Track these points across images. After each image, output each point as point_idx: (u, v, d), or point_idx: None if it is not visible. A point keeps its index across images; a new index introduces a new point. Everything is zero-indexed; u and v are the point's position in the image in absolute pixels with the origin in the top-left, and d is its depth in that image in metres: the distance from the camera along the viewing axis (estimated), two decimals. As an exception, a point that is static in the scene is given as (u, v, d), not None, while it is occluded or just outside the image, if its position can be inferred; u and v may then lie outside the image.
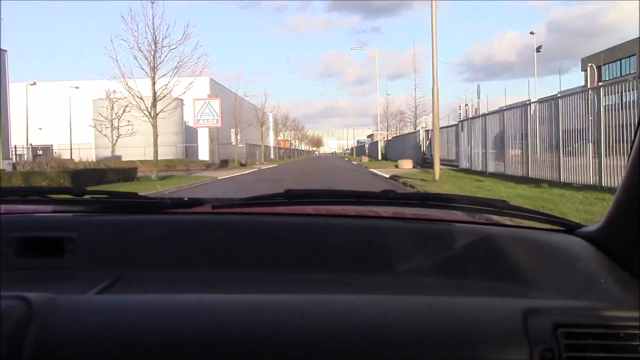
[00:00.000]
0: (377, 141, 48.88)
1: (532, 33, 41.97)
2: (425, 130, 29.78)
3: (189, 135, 40.15)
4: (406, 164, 26.00)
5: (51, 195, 1.20)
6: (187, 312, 0.75)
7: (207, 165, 30.76)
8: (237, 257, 1.05)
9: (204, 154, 39.09)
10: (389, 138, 52.29)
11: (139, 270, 1.02)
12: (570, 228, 1.13)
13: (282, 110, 71.52)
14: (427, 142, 28.33)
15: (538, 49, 40.31)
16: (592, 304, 0.82)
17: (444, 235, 1.08)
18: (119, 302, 0.79)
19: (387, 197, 1.13)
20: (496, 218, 1.25)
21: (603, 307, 0.80)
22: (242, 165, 36.29)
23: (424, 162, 27.32)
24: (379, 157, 41.96)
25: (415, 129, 39.16)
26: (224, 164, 33.96)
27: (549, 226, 1.17)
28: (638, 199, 0.85)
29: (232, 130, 36.10)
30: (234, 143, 35.48)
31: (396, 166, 26.34)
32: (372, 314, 0.76)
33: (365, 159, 44.77)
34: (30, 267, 1.04)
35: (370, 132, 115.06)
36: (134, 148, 29.06)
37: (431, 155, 21.14)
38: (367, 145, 74.09)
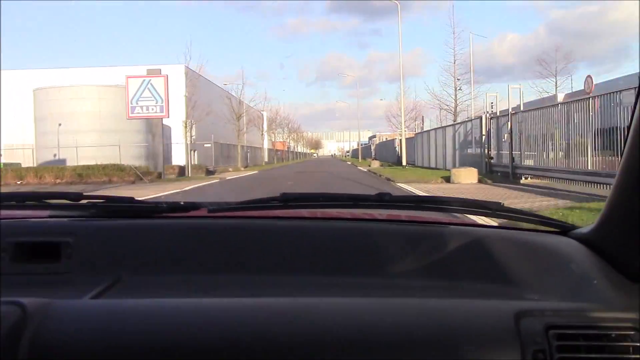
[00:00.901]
0: (394, 140, 38.13)
1: None
2: (492, 117, 17.55)
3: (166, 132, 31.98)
4: (466, 176, 15.25)
5: (48, 200, 1.21)
6: (182, 316, 0.75)
7: (144, 174, 21.39)
8: (233, 260, 1.06)
9: (180, 156, 30.80)
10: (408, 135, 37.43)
11: (135, 274, 1.02)
12: (564, 230, 1.13)
13: (278, 109, 65.14)
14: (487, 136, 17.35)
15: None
16: (584, 305, 0.82)
17: (438, 238, 1.09)
18: (114, 307, 0.79)
19: (382, 199, 1.13)
20: (491, 220, 1.27)
21: (595, 308, 0.80)
22: (210, 172, 27.92)
23: (491, 171, 16.76)
24: (403, 162, 28.41)
25: (454, 121, 28.21)
26: (184, 171, 25.55)
27: (542, 228, 1.17)
28: (630, 200, 0.85)
29: (185, 123, 26.51)
30: (188, 142, 26.30)
31: (447, 180, 15.81)
32: (364, 316, 0.77)
33: (375, 164, 33.94)
34: (27, 272, 1.04)
35: (371, 134, 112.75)
36: (85, 149, 24.38)
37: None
38: (373, 147, 63.38)
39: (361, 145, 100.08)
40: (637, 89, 0.84)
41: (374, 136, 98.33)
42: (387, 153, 46.08)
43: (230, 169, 32.92)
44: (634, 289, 0.85)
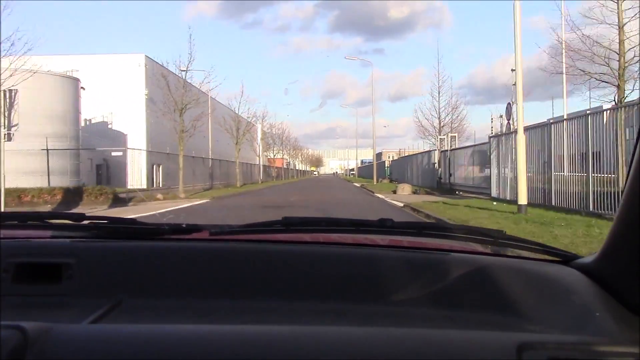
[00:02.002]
0: (430, 153, 27.40)
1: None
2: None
3: (113, 140, 26.89)
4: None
5: (50, 221, 1.21)
6: (182, 344, 0.74)
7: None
8: (234, 285, 1.05)
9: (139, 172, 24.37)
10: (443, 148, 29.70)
11: (136, 297, 1.02)
12: (567, 259, 1.12)
13: (271, 122, 58.04)
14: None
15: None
16: (586, 339, 0.81)
17: (440, 265, 1.08)
18: (115, 333, 0.79)
19: (384, 225, 1.13)
20: (493, 248, 1.25)
21: (598, 342, 0.79)
22: (120, 200, 17.80)
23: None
24: (449, 183, 22.34)
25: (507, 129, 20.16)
26: (74, 196, 16.37)
27: (545, 257, 1.16)
28: (633, 232, 0.85)
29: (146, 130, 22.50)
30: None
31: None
32: (366, 347, 0.76)
33: (406, 189, 22.41)
34: (28, 293, 1.04)
35: (378, 151, 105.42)
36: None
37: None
38: (387, 164, 51.67)
39: (362, 163, 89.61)
40: (637, 129, 0.90)
41: (380, 153, 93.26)
42: (402, 172, 34.75)
43: (181, 195, 21.07)
44: (636, 321, 0.84)
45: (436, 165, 25.50)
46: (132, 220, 1.22)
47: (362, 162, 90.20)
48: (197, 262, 1.08)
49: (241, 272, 1.06)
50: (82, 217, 1.18)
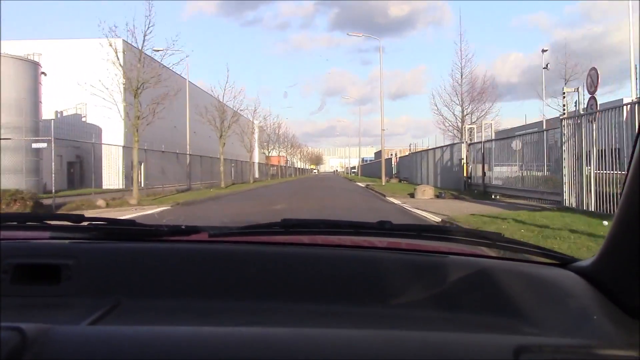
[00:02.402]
0: (455, 146, 22.20)
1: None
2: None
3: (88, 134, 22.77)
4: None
5: (49, 222, 1.21)
6: (181, 346, 0.75)
7: None
8: (233, 286, 1.05)
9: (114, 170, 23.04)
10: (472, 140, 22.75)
11: (135, 298, 1.02)
12: (564, 262, 1.12)
13: (266, 115, 54.51)
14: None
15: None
16: (583, 342, 0.81)
17: (438, 268, 1.08)
18: (113, 334, 0.79)
19: (383, 228, 1.13)
20: (491, 250, 1.25)
21: (595, 345, 0.79)
22: (39, 205, 13.87)
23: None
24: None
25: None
26: None
27: (543, 260, 1.16)
28: (631, 235, 0.85)
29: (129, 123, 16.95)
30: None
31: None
32: (365, 350, 0.76)
33: (427, 192, 17.75)
34: (27, 294, 1.04)
35: (375, 150, 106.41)
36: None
37: None
38: (395, 162, 43.71)
39: (365, 161, 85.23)
40: (637, 130, 0.81)
41: (381, 151, 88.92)
42: (410, 171, 29.92)
43: (132, 199, 16.08)
44: (634, 325, 0.85)
45: (463, 161, 20.51)
46: (131, 222, 1.23)
47: (362, 160, 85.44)
48: (195, 264, 1.08)
49: (240, 274, 1.06)
50: (81, 218, 1.18)
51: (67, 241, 1.15)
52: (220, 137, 29.91)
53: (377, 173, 44.19)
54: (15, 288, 1.02)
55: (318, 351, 0.74)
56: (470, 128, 21.57)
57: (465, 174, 20.38)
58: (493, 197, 17.05)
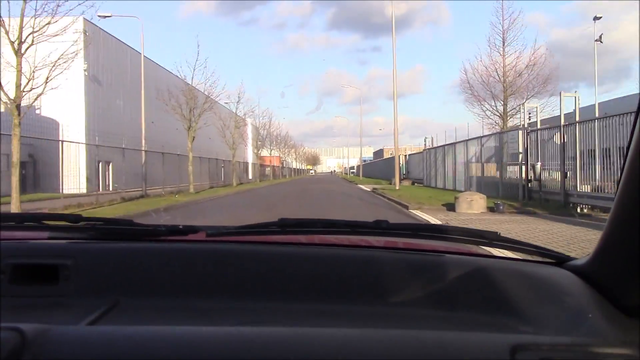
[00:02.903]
0: (454, 146, 17.97)
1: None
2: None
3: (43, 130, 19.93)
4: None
5: (47, 222, 1.21)
6: (180, 346, 0.75)
7: None
8: (231, 286, 1.06)
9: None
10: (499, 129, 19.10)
11: (133, 298, 1.02)
12: (560, 261, 1.12)
13: (255, 108, 50.87)
14: None
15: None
16: (579, 340, 0.82)
17: (435, 266, 1.08)
18: (112, 334, 0.80)
19: (380, 227, 1.13)
20: (487, 249, 1.22)
21: (591, 343, 0.80)
22: None
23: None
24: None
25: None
26: None
27: (538, 258, 1.16)
28: (626, 233, 0.86)
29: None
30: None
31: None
32: (362, 349, 0.77)
33: (475, 203, 11.69)
34: (25, 294, 1.04)
35: (373, 150, 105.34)
36: None
37: None
38: (404, 161, 35.95)
39: (365, 161, 79.91)
40: (634, 119, 0.84)
41: (381, 150, 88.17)
42: (443, 171, 23.61)
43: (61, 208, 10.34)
44: (629, 323, 0.86)
45: (521, 157, 14.35)
46: (129, 222, 1.23)
47: (362, 160, 79.77)
48: (193, 263, 1.08)
49: (238, 273, 1.06)
50: (79, 218, 1.18)
51: (65, 241, 1.16)
52: (189, 128, 23.80)
53: (379, 174, 37.87)
54: (14, 288, 1.03)
55: (315, 350, 0.74)
56: (530, 109, 15.46)
57: (525, 176, 14.08)
58: (578, 211, 11.08)
